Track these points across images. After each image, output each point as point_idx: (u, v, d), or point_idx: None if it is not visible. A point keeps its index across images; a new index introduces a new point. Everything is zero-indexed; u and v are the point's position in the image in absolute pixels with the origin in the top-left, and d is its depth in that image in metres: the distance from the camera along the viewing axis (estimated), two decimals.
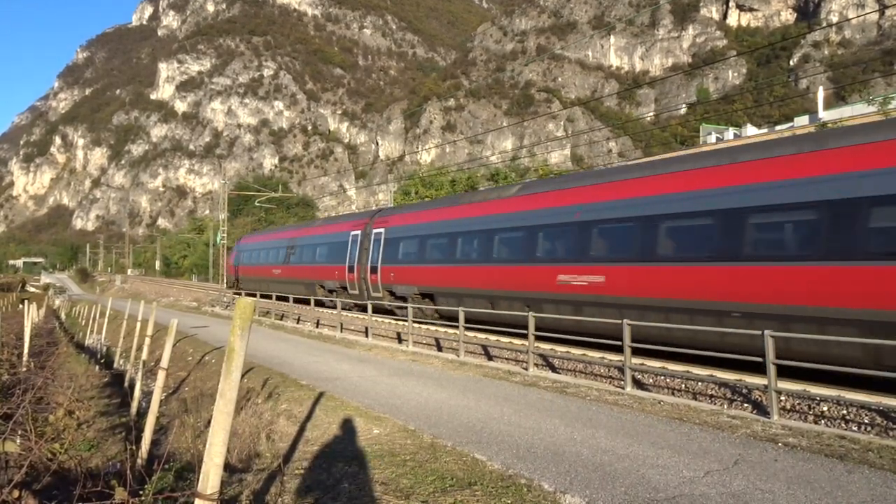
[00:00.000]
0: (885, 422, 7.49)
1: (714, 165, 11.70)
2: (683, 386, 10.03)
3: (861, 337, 8.53)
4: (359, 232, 23.85)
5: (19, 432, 7.00)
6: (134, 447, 7.58)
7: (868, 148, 9.50)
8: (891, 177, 8.97)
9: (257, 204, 63.27)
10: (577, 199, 14.28)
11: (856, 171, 9.39)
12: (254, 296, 29.46)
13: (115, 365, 19.18)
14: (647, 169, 13.56)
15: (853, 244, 9.19)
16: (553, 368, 12.58)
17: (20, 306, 35.29)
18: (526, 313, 12.24)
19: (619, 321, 10.30)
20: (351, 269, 23.78)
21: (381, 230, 22.19)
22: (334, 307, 21.67)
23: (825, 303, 9.35)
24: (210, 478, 2.89)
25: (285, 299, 26.93)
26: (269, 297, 28.62)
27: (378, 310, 20.41)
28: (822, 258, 9.52)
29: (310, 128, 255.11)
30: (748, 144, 12.45)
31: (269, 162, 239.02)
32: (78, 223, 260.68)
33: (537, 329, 12.12)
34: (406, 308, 17.13)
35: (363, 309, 20.90)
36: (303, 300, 25.97)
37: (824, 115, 46.62)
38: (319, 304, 25.26)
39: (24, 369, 14.25)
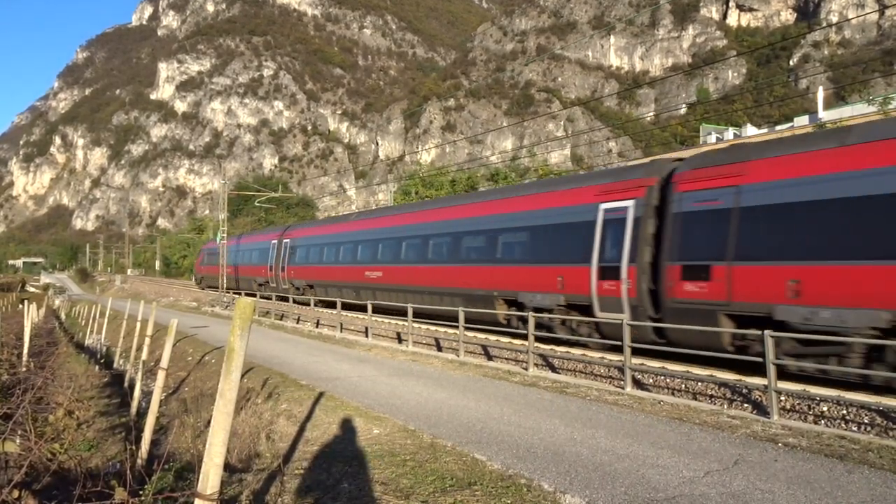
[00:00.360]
0: (884, 422, 7.49)
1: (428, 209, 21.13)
2: (683, 386, 10.03)
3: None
4: (276, 241, 31.09)
5: (19, 432, 7.00)
6: (134, 447, 7.57)
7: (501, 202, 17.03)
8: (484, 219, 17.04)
9: (257, 204, 63.25)
10: (374, 224, 24.28)
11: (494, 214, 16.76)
12: (215, 288, 39.01)
13: (115, 365, 19.17)
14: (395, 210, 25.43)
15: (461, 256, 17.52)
16: (553, 368, 12.58)
17: (20, 306, 35.26)
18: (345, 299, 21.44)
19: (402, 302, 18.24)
20: (271, 269, 31.59)
21: (287, 241, 30.21)
22: (261, 296, 30.21)
23: (468, 285, 16.86)
24: (210, 478, 2.89)
25: (237, 292, 36.12)
26: (226, 289, 36.91)
27: (281, 297, 28.85)
28: (476, 261, 17.05)
29: (310, 128, 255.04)
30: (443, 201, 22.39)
31: (268, 162, 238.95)
32: (78, 223, 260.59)
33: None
34: (301, 294, 27.23)
35: (283, 299, 28.30)
36: (243, 291, 35.63)
37: (824, 115, 46.59)
38: (251, 295, 32.27)
39: (24, 369, 14.24)
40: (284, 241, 30.45)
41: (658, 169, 12.94)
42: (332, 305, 22.79)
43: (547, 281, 14.20)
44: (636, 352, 10.49)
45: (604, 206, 13.21)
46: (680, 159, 13.15)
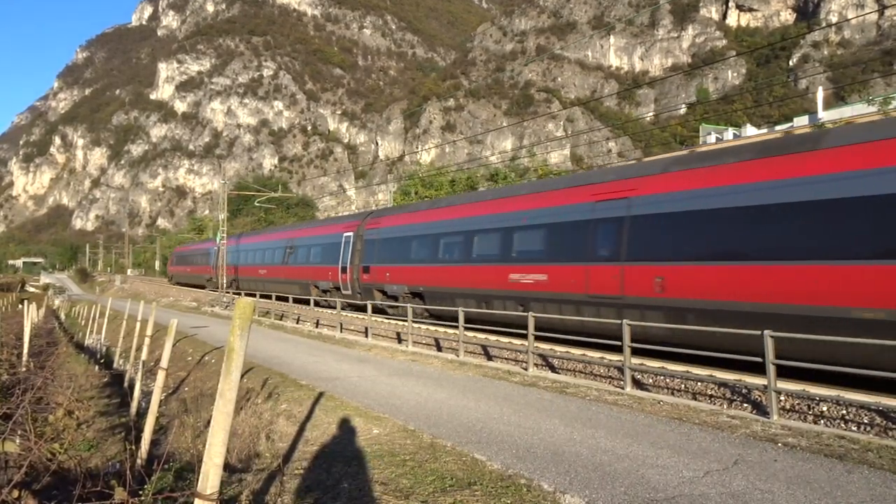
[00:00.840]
0: (884, 422, 7.49)
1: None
2: (683, 386, 10.03)
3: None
4: (351, 234, 35.03)
5: (19, 432, 7.00)
6: (133, 447, 7.58)
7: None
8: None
9: (257, 204, 63.27)
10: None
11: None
12: (184, 285, 47.64)
13: (115, 365, 19.17)
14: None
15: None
16: (553, 368, 12.58)
17: (20, 306, 35.27)
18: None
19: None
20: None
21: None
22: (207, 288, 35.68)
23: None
24: (210, 478, 2.89)
25: (194, 285, 43.83)
26: (190, 284, 44.12)
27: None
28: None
29: (309, 128, 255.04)
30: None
31: (268, 162, 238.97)
32: (77, 223, 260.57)
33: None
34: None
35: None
36: (194, 286, 44.86)
37: (824, 115, 46.60)
38: (201, 287, 41.39)
39: (24, 369, 14.24)
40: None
41: (361, 216, 25.89)
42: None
43: (327, 274, 26.17)
44: (634, 352, 10.50)
45: (344, 233, 25.19)
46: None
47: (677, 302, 11.25)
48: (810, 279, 9.42)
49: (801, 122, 50.00)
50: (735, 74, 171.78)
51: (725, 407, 8.83)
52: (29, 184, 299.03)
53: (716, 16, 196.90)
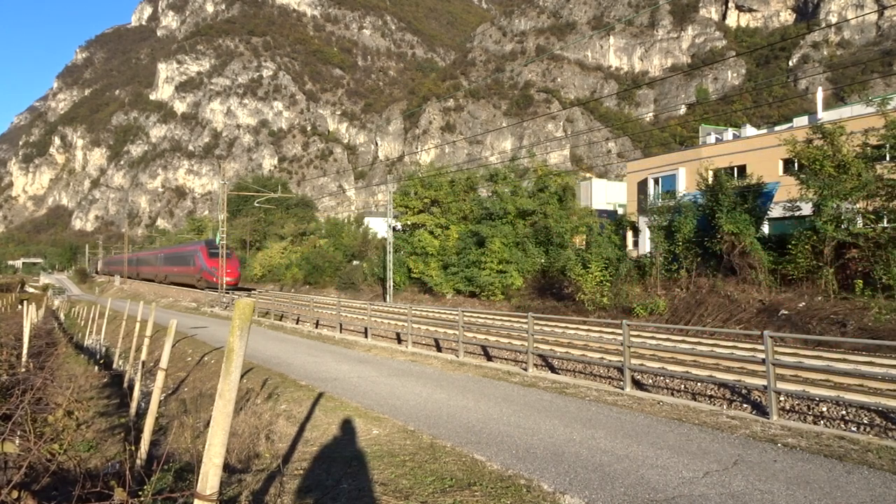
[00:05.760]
0: (884, 422, 7.49)
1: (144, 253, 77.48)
2: (683, 386, 10.04)
3: None
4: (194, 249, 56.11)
5: (18, 433, 6.99)
6: (133, 447, 7.57)
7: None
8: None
9: (256, 204, 63.30)
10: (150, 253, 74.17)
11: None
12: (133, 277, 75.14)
13: (115, 365, 19.16)
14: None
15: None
16: (552, 369, 12.58)
17: (19, 307, 35.25)
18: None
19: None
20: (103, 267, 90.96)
21: (133, 256, 75.03)
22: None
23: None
24: (209, 478, 2.88)
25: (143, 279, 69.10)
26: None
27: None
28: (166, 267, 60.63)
29: (309, 128, 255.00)
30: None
31: (268, 162, 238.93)
32: (77, 223, 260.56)
33: None
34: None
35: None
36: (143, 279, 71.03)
37: (823, 115, 46.55)
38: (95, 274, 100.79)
39: (24, 370, 14.22)
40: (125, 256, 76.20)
41: (195, 244, 56.14)
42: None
43: (173, 270, 59.29)
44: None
45: (191, 248, 55.05)
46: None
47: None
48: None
49: (801, 122, 49.98)
50: (734, 75, 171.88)
51: (725, 407, 8.83)
52: (28, 184, 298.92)
53: (715, 16, 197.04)
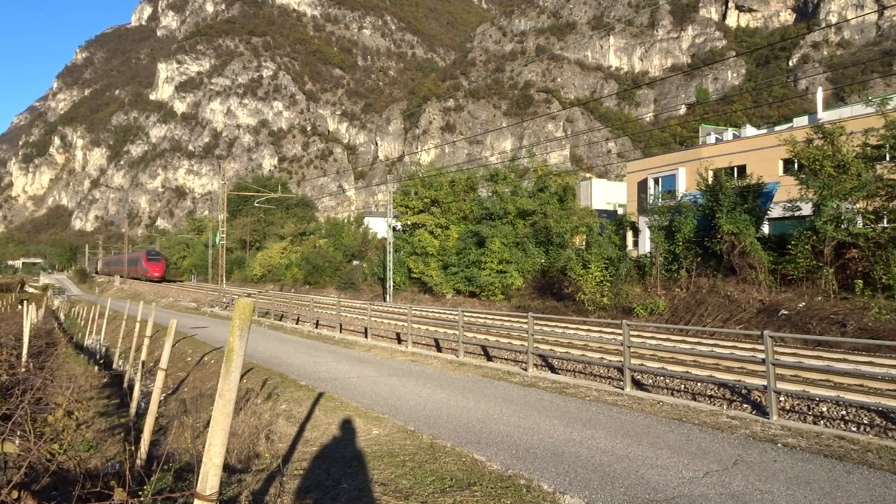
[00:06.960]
0: (884, 422, 7.49)
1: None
2: (683, 386, 10.04)
3: None
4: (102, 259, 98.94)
5: (18, 433, 6.99)
6: (133, 447, 7.57)
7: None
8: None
9: (256, 204, 63.29)
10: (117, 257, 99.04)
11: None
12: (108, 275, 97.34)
13: (115, 365, 19.16)
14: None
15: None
16: (552, 369, 12.58)
17: (19, 307, 35.25)
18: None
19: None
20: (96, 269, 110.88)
21: (108, 258, 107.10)
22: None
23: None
24: (209, 478, 2.88)
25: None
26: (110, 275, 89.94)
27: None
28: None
29: (309, 128, 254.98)
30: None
31: (268, 162, 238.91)
32: (77, 223, 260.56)
33: None
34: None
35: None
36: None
37: (823, 115, 46.56)
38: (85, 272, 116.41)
39: (23, 370, 14.21)
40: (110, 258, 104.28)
41: (136, 252, 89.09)
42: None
43: (127, 271, 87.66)
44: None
45: (132, 256, 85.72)
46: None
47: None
48: (130, 270, 78.35)
49: (801, 122, 49.97)
50: (734, 75, 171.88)
51: (725, 407, 8.83)
52: (28, 184, 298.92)
53: (715, 16, 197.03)
